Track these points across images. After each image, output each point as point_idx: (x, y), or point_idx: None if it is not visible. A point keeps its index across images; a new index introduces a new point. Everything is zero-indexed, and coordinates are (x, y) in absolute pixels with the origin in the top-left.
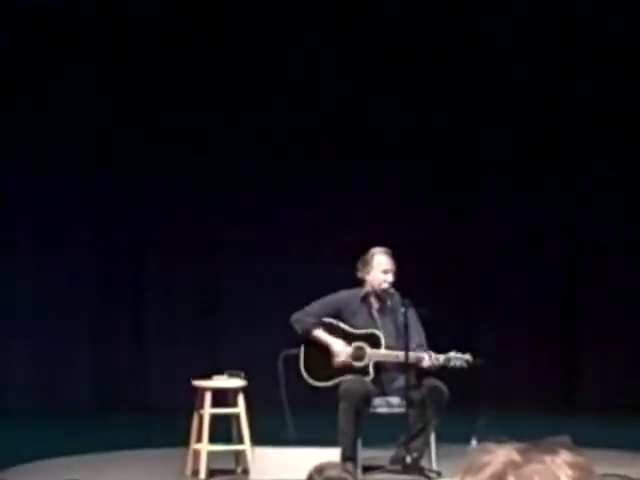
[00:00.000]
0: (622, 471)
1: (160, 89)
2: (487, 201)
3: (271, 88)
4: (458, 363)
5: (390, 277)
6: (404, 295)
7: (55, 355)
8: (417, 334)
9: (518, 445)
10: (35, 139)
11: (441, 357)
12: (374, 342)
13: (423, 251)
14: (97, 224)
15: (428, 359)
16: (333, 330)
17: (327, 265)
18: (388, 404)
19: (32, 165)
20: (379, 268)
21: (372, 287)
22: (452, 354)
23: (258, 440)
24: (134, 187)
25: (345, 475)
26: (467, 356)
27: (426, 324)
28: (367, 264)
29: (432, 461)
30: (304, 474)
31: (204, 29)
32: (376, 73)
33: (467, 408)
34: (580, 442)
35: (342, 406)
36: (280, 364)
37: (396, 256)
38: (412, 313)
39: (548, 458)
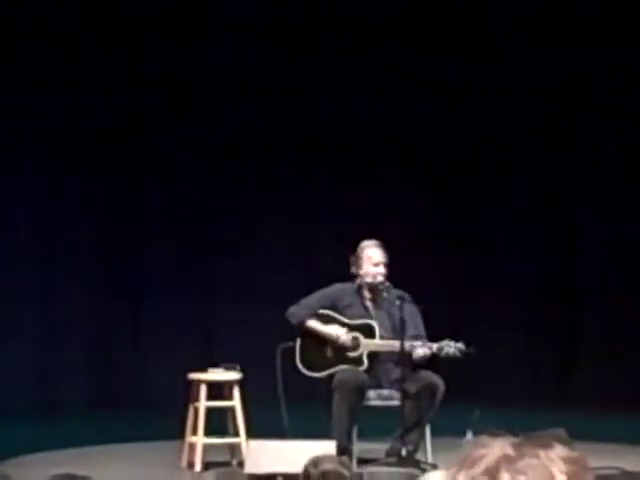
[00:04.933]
0: (618, 464)
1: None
2: (486, 195)
3: (269, 84)
4: (451, 351)
5: (382, 269)
6: (403, 289)
7: (52, 349)
8: (414, 327)
9: (513, 439)
10: (36, 138)
11: (434, 345)
12: (368, 332)
13: (421, 244)
14: (97, 221)
15: (421, 347)
16: (328, 321)
17: (324, 258)
18: (383, 396)
19: (33, 164)
20: (369, 261)
21: (365, 281)
22: (445, 342)
23: (253, 433)
24: (133, 186)
25: (340, 468)
26: (460, 344)
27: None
28: (358, 258)
29: (428, 454)
30: (299, 467)
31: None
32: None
33: (463, 401)
34: (576, 435)
35: (337, 397)
36: (278, 357)
37: (393, 249)
38: (410, 307)
39: (542, 452)
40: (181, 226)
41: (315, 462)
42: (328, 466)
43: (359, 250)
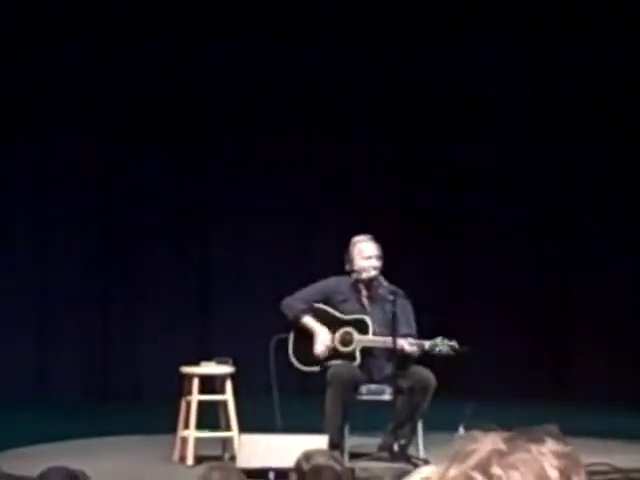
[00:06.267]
0: (610, 460)
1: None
2: (484, 193)
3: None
4: (444, 349)
5: (374, 262)
6: (397, 285)
7: (47, 342)
8: (406, 324)
9: (505, 434)
10: (36, 136)
11: (427, 343)
12: (362, 328)
13: (419, 241)
14: (96, 218)
15: (412, 345)
16: (322, 315)
17: (318, 251)
18: (376, 391)
19: (33, 164)
20: (360, 256)
21: (359, 277)
22: (438, 340)
23: (245, 427)
24: (133, 185)
25: (332, 462)
26: (453, 342)
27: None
28: (349, 254)
29: (419, 449)
30: (292, 461)
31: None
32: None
33: (455, 396)
34: (569, 431)
35: (329, 392)
36: (271, 348)
37: (390, 245)
38: (404, 303)
39: (534, 447)
40: (175, 218)
41: (307, 456)
42: (320, 460)
43: (350, 246)
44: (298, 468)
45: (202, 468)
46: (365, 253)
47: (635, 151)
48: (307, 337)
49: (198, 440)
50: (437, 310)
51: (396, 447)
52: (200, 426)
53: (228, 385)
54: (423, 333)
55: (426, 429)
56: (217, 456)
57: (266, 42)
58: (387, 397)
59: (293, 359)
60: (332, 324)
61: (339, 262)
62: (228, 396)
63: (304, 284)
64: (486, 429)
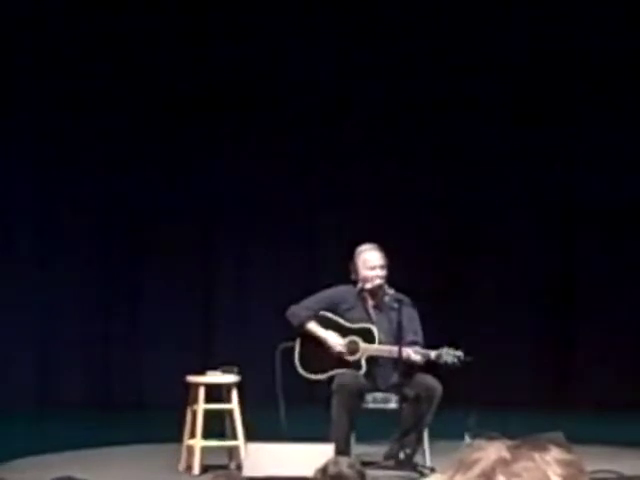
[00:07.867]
0: (616, 467)
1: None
2: (483, 193)
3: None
4: (450, 360)
5: (379, 272)
6: (403, 292)
7: (50, 351)
8: (412, 332)
9: (509, 442)
10: (36, 137)
11: (432, 353)
12: (368, 337)
13: (422, 249)
14: (96, 221)
15: (418, 354)
16: (328, 324)
17: (322, 259)
18: (382, 400)
19: (34, 166)
20: (365, 266)
21: (364, 287)
22: (444, 350)
23: (251, 436)
24: (133, 185)
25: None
26: (459, 352)
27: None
28: (354, 264)
29: (425, 457)
30: (297, 469)
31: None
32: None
33: (461, 404)
34: (575, 439)
35: (335, 401)
36: (277, 357)
37: (394, 253)
38: (409, 311)
39: (538, 455)
40: (180, 226)
41: (334, 463)
42: (346, 471)
43: (355, 255)
44: (323, 470)
45: (208, 477)
46: (369, 263)
47: None
48: (313, 345)
49: (204, 449)
50: (439, 317)
51: (402, 455)
52: (206, 435)
53: (234, 394)
54: (429, 342)
55: (432, 437)
56: (223, 465)
57: (265, 40)
58: (393, 405)
59: (299, 367)
60: (338, 332)
61: (343, 270)
62: (234, 405)
63: (308, 292)
64: (492, 438)
